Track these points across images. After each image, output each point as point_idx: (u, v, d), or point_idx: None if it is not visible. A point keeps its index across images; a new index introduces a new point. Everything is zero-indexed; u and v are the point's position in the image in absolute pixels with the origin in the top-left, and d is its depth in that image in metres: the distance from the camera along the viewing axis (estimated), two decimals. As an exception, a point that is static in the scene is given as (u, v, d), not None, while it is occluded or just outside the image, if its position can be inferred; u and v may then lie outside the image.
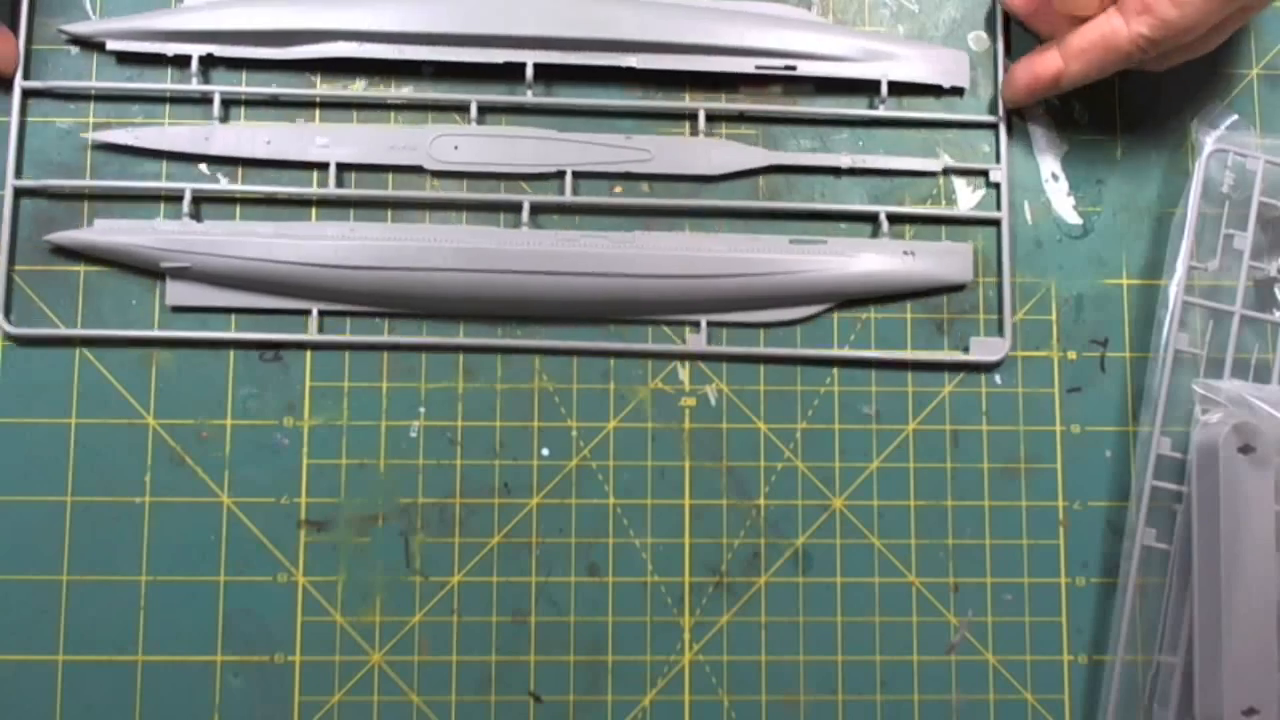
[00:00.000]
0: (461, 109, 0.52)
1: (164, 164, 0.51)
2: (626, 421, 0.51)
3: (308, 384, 0.50)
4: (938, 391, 0.52)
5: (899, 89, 0.53)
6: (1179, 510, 0.49)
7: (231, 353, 0.50)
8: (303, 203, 0.51)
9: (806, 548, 0.50)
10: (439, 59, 0.51)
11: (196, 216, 0.50)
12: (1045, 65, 0.50)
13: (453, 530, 0.50)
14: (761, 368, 0.51)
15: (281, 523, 0.49)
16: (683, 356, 0.51)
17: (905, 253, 0.51)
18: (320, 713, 0.49)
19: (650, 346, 0.51)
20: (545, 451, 0.50)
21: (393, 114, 0.52)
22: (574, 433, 0.51)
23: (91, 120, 0.51)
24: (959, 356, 0.51)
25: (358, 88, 0.52)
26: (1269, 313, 0.51)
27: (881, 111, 0.52)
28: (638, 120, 0.52)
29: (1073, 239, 0.53)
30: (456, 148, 0.51)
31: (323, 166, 0.51)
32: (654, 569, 0.50)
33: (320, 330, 0.50)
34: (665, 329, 0.51)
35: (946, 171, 0.53)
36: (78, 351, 0.50)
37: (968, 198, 0.53)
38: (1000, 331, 0.52)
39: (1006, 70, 0.52)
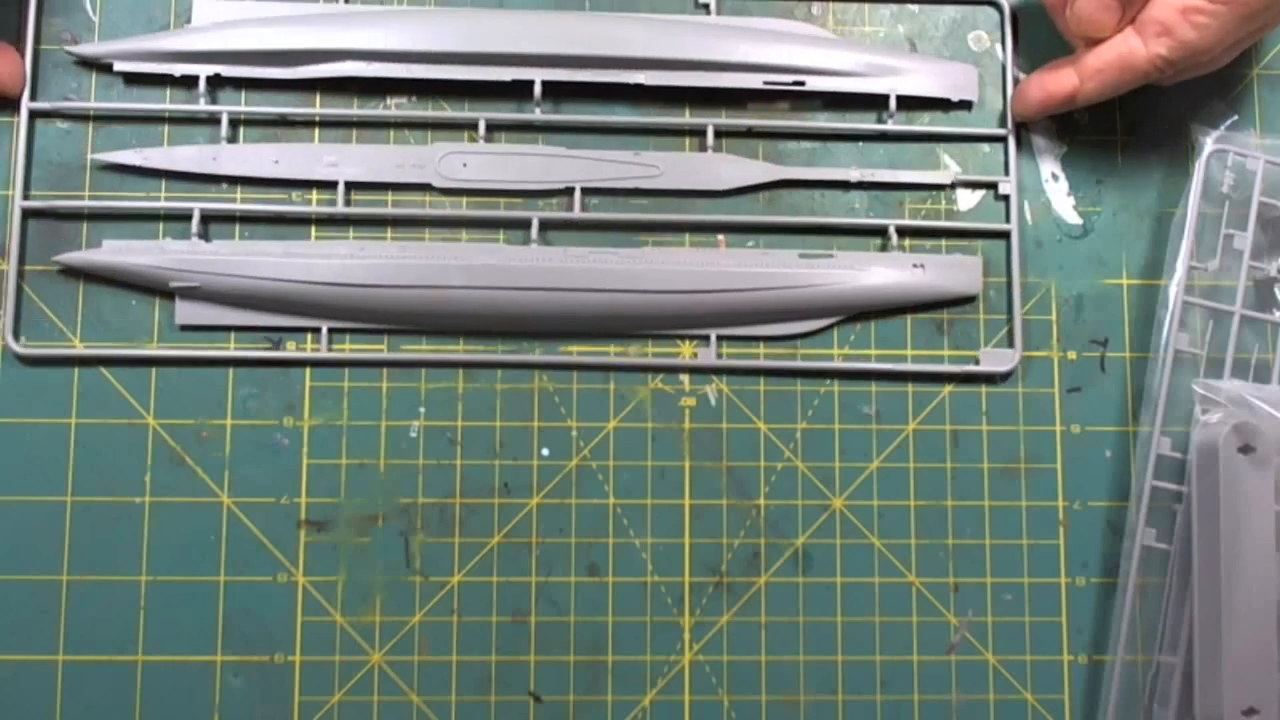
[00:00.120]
0: (470, 127, 0.52)
1: (163, 182, 0.51)
2: (626, 421, 0.51)
3: (308, 384, 0.50)
4: (938, 392, 0.52)
5: (906, 102, 0.53)
6: (1179, 510, 0.49)
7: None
8: (312, 221, 0.51)
9: (806, 548, 0.50)
10: (447, 77, 0.51)
11: (205, 236, 0.50)
12: (1060, 83, 0.50)
13: (453, 530, 0.50)
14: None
15: (281, 523, 0.49)
16: (685, 370, 0.51)
17: (915, 266, 0.51)
18: (320, 713, 0.49)
19: (652, 361, 0.51)
20: (545, 451, 0.51)
21: (401, 132, 0.52)
22: (574, 433, 0.51)
23: (91, 137, 0.51)
24: (969, 368, 0.51)
25: (365, 107, 0.52)
26: (1269, 313, 0.51)
27: (890, 126, 0.52)
28: (646, 136, 0.52)
29: (1073, 239, 0.53)
30: (465, 165, 0.51)
31: (331, 185, 0.51)
32: (654, 569, 0.50)
33: (329, 346, 0.50)
34: (679, 342, 0.51)
35: (955, 185, 0.53)
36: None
37: (968, 199, 0.53)
38: (1009, 338, 0.52)
39: (1016, 83, 0.52)
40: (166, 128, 0.51)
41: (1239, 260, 0.51)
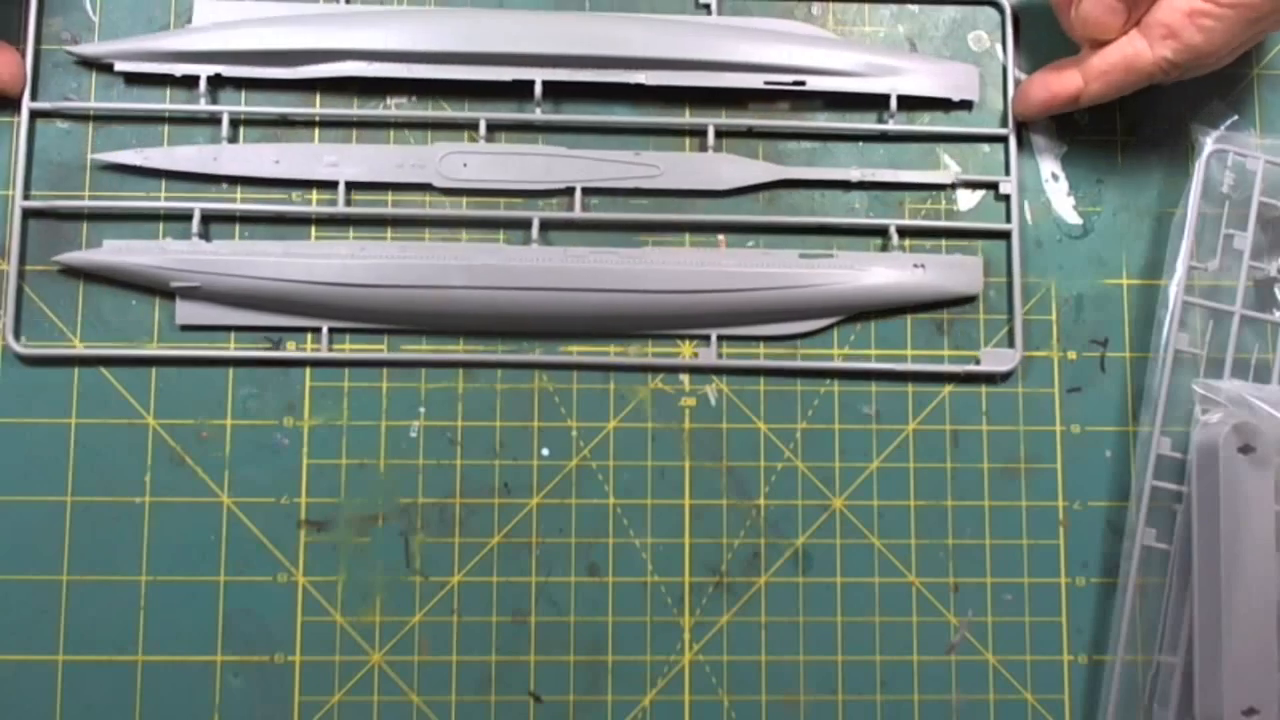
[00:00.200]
0: (470, 127, 0.52)
1: (163, 182, 0.51)
2: (626, 421, 0.51)
3: (308, 384, 0.50)
4: (938, 392, 0.52)
5: (906, 101, 0.53)
6: (1179, 510, 0.49)
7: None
8: (312, 221, 0.51)
9: (806, 548, 0.50)
10: (447, 77, 0.51)
11: (205, 236, 0.50)
12: (1064, 84, 0.50)
13: (453, 530, 0.50)
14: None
15: (281, 523, 0.49)
16: (685, 369, 0.51)
17: (915, 266, 0.51)
18: (320, 713, 0.49)
19: (652, 361, 0.51)
20: (545, 451, 0.51)
21: (401, 132, 0.52)
22: (574, 433, 0.51)
23: (91, 137, 0.51)
24: (970, 368, 0.51)
25: (365, 107, 0.52)
26: (1269, 313, 0.51)
27: (891, 126, 0.52)
28: (646, 136, 0.52)
29: (1073, 239, 0.53)
30: (465, 165, 0.51)
31: (331, 185, 0.51)
32: (654, 569, 0.50)
33: (329, 346, 0.50)
34: (679, 342, 0.51)
35: (956, 185, 0.53)
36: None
37: (968, 199, 0.53)
38: (1010, 338, 0.52)
39: (1017, 84, 0.52)
40: (166, 128, 0.51)
41: (1239, 260, 0.51)
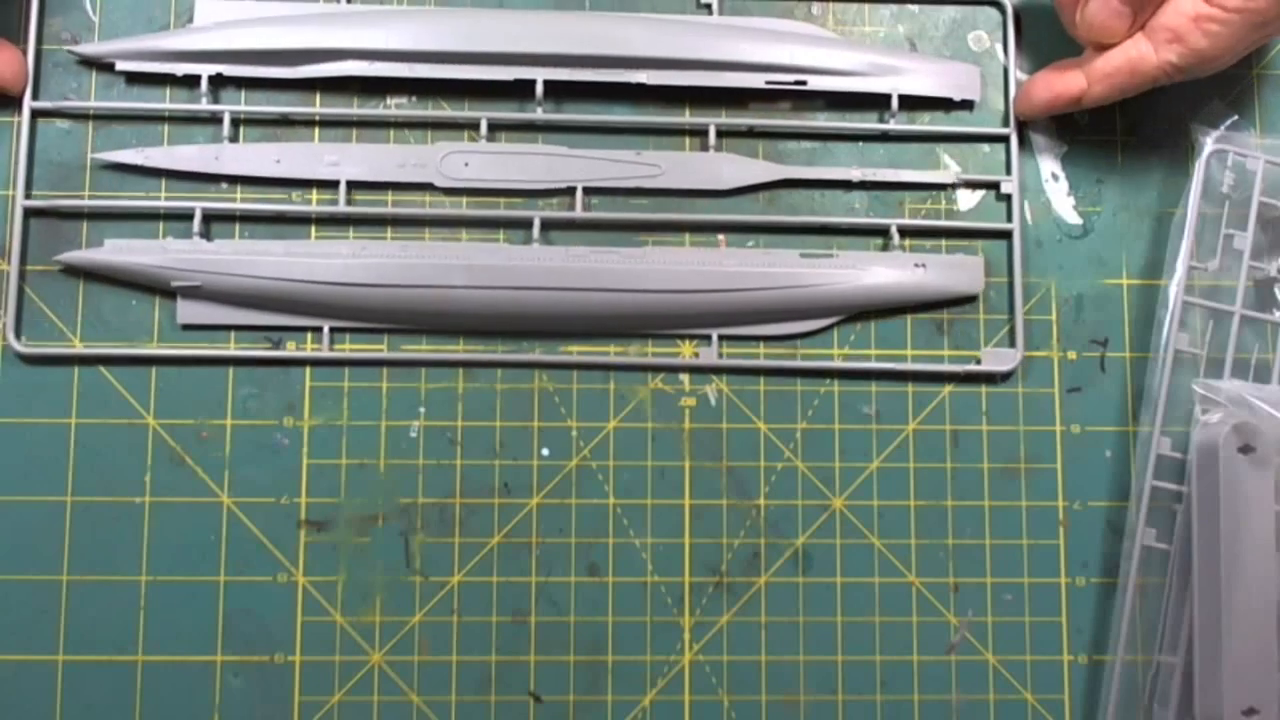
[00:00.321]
0: (471, 126, 0.52)
1: (163, 182, 0.51)
2: (626, 421, 0.51)
3: (308, 384, 0.50)
4: (938, 392, 0.52)
5: (906, 101, 0.53)
6: (1179, 510, 0.49)
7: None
8: (313, 221, 0.51)
9: (806, 548, 0.50)
10: (449, 77, 0.51)
11: (206, 235, 0.50)
12: (1067, 85, 0.50)
13: (453, 530, 0.50)
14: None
15: (281, 523, 0.49)
16: (685, 369, 0.51)
17: (916, 265, 0.51)
18: (320, 713, 0.49)
19: (652, 360, 0.51)
20: (545, 451, 0.51)
21: (402, 131, 0.52)
22: (574, 433, 0.51)
23: (92, 137, 0.51)
24: (971, 368, 0.51)
25: (366, 106, 0.52)
26: (1269, 313, 0.51)
27: (893, 125, 0.52)
28: (647, 136, 0.52)
29: (1073, 239, 0.53)
30: (466, 165, 0.51)
31: (332, 185, 0.51)
32: (654, 569, 0.50)
33: (330, 345, 0.50)
34: (679, 342, 0.51)
35: (957, 185, 0.53)
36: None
37: (969, 199, 0.53)
38: (1010, 338, 0.52)
39: (1019, 83, 0.52)
40: (167, 127, 0.51)
41: (1239, 260, 0.51)
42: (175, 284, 0.49)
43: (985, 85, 0.53)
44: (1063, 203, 0.53)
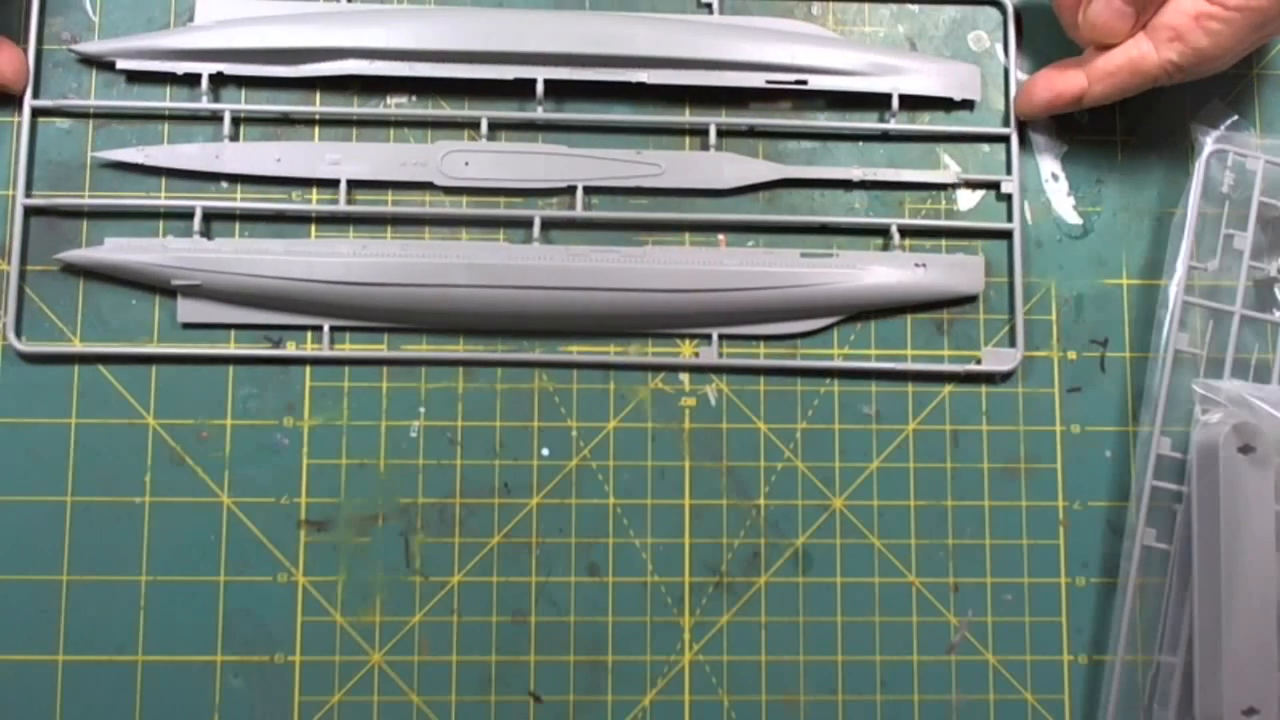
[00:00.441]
0: (472, 125, 0.52)
1: (163, 181, 0.51)
2: (626, 421, 0.51)
3: (308, 384, 0.50)
4: (938, 392, 0.52)
5: (906, 101, 0.53)
6: (1179, 510, 0.49)
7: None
8: (313, 220, 0.51)
9: (806, 548, 0.50)
10: (449, 76, 0.51)
11: (207, 234, 0.50)
12: (1068, 84, 0.50)
13: (453, 530, 0.50)
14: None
15: (281, 523, 0.49)
16: (685, 369, 0.51)
17: (917, 265, 0.51)
18: (320, 713, 0.49)
19: (652, 360, 0.51)
20: (545, 451, 0.51)
21: (402, 130, 0.52)
22: (574, 433, 0.51)
23: (92, 136, 0.51)
24: (971, 368, 0.51)
25: (367, 105, 0.52)
26: (1269, 313, 0.51)
27: (893, 125, 0.52)
28: (647, 135, 0.52)
29: (1073, 239, 0.53)
30: (467, 164, 0.51)
31: (333, 183, 0.51)
32: (654, 569, 0.50)
33: (331, 345, 0.50)
34: (679, 342, 0.51)
35: (958, 185, 0.53)
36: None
37: (969, 199, 0.53)
38: (1010, 338, 0.52)
39: (1019, 83, 0.53)
40: (167, 126, 0.51)
41: (1239, 260, 0.51)
42: (175, 283, 0.49)
43: (985, 85, 0.53)
44: (1063, 203, 0.53)
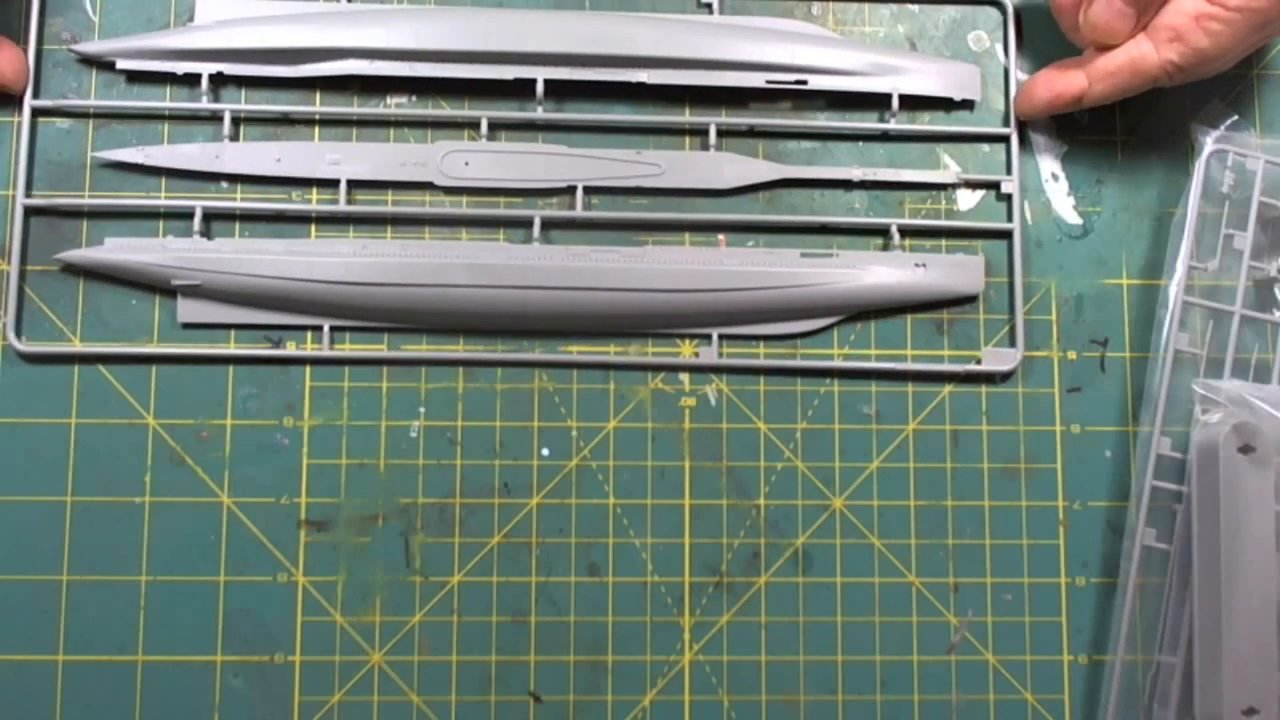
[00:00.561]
0: (472, 125, 0.52)
1: (163, 181, 0.51)
2: (626, 421, 0.51)
3: (308, 384, 0.50)
4: (938, 392, 0.52)
5: (906, 101, 0.53)
6: (1179, 510, 0.49)
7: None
8: (313, 220, 0.51)
9: (806, 548, 0.50)
10: (449, 76, 0.51)
11: (207, 234, 0.50)
12: (1068, 84, 0.50)
13: (453, 530, 0.50)
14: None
15: (281, 523, 0.49)
16: (685, 369, 0.51)
17: (917, 265, 0.51)
18: (320, 713, 0.49)
19: (652, 360, 0.51)
20: (545, 451, 0.51)
21: (402, 130, 0.52)
22: (574, 433, 0.51)
23: (92, 136, 0.51)
24: (972, 368, 0.51)
25: (367, 105, 0.52)
26: (1269, 313, 0.51)
27: (893, 125, 0.52)
28: (647, 135, 0.52)
29: (1073, 239, 0.53)
30: (467, 164, 0.51)
31: (333, 184, 0.51)
32: (654, 569, 0.50)
33: (331, 345, 0.50)
34: (679, 342, 0.51)
35: (958, 185, 0.53)
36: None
37: (969, 199, 0.53)
38: (1010, 338, 0.52)
39: (1019, 83, 0.53)
40: (167, 126, 0.51)
41: (1239, 260, 0.51)
42: (176, 282, 0.49)
43: (985, 85, 0.53)
44: (1063, 203, 0.53)
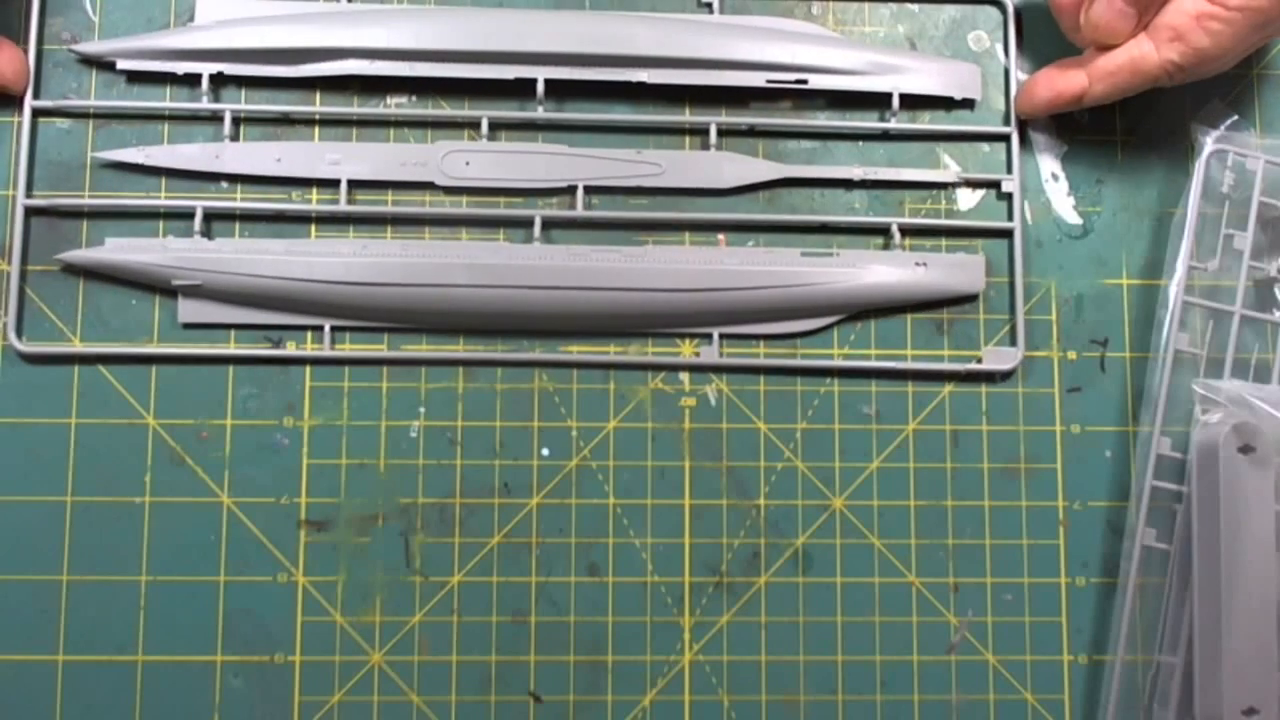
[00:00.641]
0: (472, 125, 0.52)
1: (163, 181, 0.51)
2: (626, 421, 0.51)
3: (308, 384, 0.50)
4: (938, 392, 0.52)
5: (906, 101, 0.53)
6: (1179, 510, 0.49)
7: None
8: (313, 220, 0.51)
9: (806, 548, 0.50)
10: (449, 76, 0.51)
11: (207, 234, 0.50)
12: (1069, 83, 0.50)
13: (453, 530, 0.50)
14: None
15: (281, 523, 0.49)
16: (685, 368, 0.51)
17: (917, 264, 0.51)
18: (320, 713, 0.49)
19: (653, 359, 0.51)
20: (545, 451, 0.51)
21: (403, 130, 0.52)
22: (574, 433, 0.51)
23: (92, 136, 0.51)
24: (972, 367, 0.51)
25: (367, 105, 0.52)
26: (1269, 313, 0.51)
27: (894, 124, 0.52)
28: (648, 135, 0.52)
29: (1073, 239, 0.53)
30: (468, 164, 0.51)
31: (333, 184, 0.51)
32: (654, 569, 0.50)
33: (332, 345, 0.50)
34: (679, 341, 0.51)
35: (959, 184, 0.53)
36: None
37: (969, 198, 0.53)
38: (1011, 337, 0.52)
39: (1019, 83, 0.53)
40: (167, 126, 0.51)
41: (1239, 260, 0.51)
42: (176, 283, 0.49)
43: (985, 85, 0.53)
44: (1063, 203, 0.53)
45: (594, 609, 0.50)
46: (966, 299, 0.52)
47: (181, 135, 0.51)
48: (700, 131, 0.52)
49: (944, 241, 0.52)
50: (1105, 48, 0.49)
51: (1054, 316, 0.52)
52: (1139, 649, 0.50)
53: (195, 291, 0.49)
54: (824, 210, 0.52)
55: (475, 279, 0.49)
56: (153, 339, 0.50)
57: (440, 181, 0.51)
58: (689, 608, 0.50)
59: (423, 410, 0.50)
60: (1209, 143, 0.51)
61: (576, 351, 0.51)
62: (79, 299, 0.50)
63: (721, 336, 0.51)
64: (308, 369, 0.50)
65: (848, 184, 0.52)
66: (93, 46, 0.51)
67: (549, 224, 0.51)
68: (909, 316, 0.52)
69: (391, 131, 0.52)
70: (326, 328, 0.50)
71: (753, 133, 0.53)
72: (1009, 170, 0.53)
